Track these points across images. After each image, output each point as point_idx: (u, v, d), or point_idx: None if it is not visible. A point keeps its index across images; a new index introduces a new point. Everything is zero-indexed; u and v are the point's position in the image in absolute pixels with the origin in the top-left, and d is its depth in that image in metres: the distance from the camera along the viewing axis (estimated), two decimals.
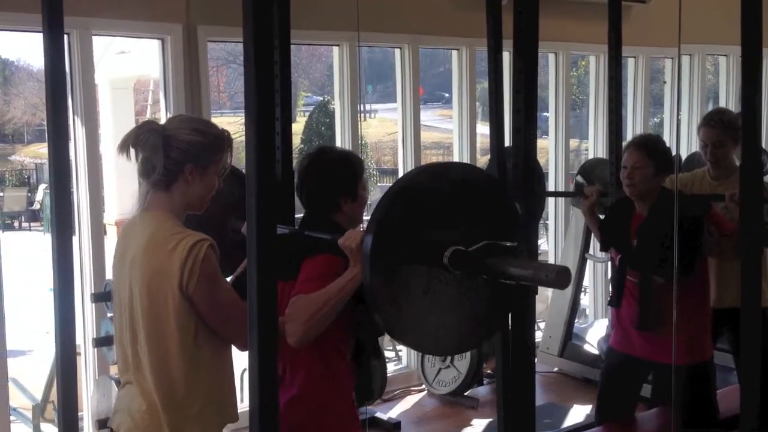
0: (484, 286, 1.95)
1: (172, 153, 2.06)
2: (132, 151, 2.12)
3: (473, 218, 1.95)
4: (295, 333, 2.11)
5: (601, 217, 3.51)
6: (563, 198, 5.93)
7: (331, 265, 2.24)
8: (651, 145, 3.20)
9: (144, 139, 2.07)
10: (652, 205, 3.17)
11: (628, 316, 3.25)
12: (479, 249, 1.89)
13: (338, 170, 2.45)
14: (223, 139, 2.13)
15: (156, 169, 2.07)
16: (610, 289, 3.53)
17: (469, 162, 5.41)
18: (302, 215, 2.50)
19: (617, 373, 3.39)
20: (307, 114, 18.31)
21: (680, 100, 6.74)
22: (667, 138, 6.74)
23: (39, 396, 4.59)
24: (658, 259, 3.06)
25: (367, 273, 1.84)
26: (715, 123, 3.57)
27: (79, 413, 2.62)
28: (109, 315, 3.48)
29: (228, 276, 2.47)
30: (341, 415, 2.38)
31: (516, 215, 2.06)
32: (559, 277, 1.79)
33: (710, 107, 7.52)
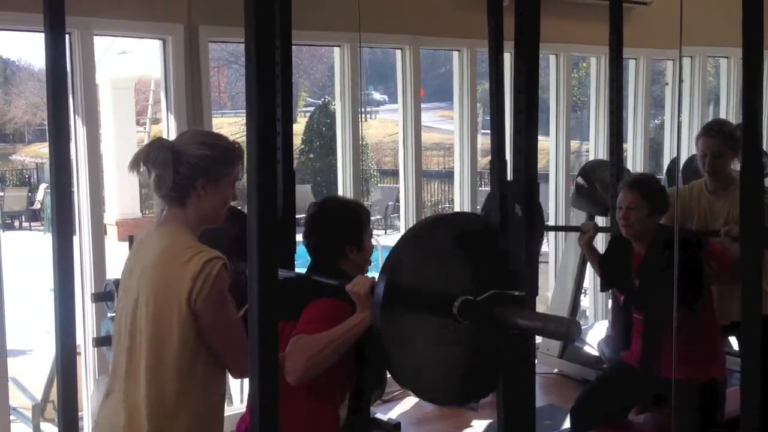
0: (491, 333, 1.99)
1: (182, 168, 2.07)
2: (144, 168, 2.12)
3: (480, 267, 2.00)
4: (295, 371, 2.13)
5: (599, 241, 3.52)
6: (563, 198, 5.93)
7: (336, 309, 2.27)
8: (645, 186, 3.21)
9: (154, 156, 2.07)
10: (649, 244, 3.18)
11: (636, 355, 3.25)
12: (487, 299, 1.94)
13: (344, 220, 2.50)
14: (232, 151, 2.13)
15: (168, 185, 2.08)
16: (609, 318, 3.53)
17: (470, 164, 5.42)
18: (309, 263, 2.55)
19: (621, 383, 3.35)
20: (308, 114, 18.30)
21: (681, 102, 6.74)
22: (668, 140, 6.76)
23: (39, 396, 4.59)
24: (661, 299, 3.05)
25: (377, 320, 1.89)
26: (715, 133, 3.55)
27: (79, 413, 2.62)
28: (109, 315, 3.48)
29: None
30: None
31: (520, 266, 2.14)
32: (569, 330, 1.84)
33: (711, 109, 7.53)
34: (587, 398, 3.41)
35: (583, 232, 3.51)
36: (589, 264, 5.26)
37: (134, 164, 2.10)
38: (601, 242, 4.08)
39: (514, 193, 2.33)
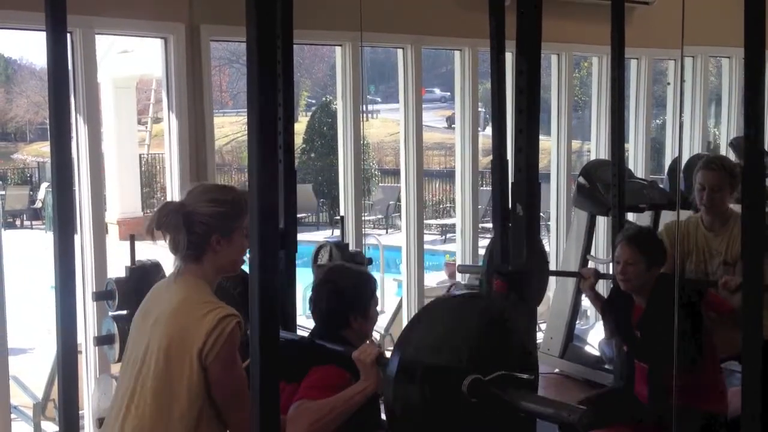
0: (496, 416, 2.01)
1: (195, 228, 2.10)
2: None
3: (489, 348, 2.04)
4: None
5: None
6: (565, 197, 5.94)
7: (339, 377, 2.29)
8: (642, 241, 3.19)
9: (166, 221, 2.10)
10: (649, 297, 3.18)
11: (641, 393, 3.26)
12: (496, 378, 1.97)
13: (352, 290, 2.52)
14: (241, 202, 2.14)
15: (183, 246, 2.11)
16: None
17: (471, 163, 5.42)
18: (312, 328, 2.57)
19: (617, 396, 3.36)
20: (309, 114, 18.30)
21: (683, 102, 6.74)
22: (669, 140, 6.76)
23: (40, 394, 4.59)
24: (663, 351, 3.05)
25: (390, 395, 1.93)
26: (715, 166, 3.52)
27: (80, 411, 2.62)
28: (110, 314, 3.48)
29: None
30: None
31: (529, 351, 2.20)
32: (581, 420, 1.85)
33: (713, 109, 7.52)
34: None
35: (584, 278, 3.51)
36: (590, 264, 5.27)
37: (148, 231, 2.13)
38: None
39: (518, 148, 2.34)
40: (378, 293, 2.62)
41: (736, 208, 3.49)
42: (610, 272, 3.38)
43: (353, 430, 2.31)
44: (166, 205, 2.14)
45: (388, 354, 2.11)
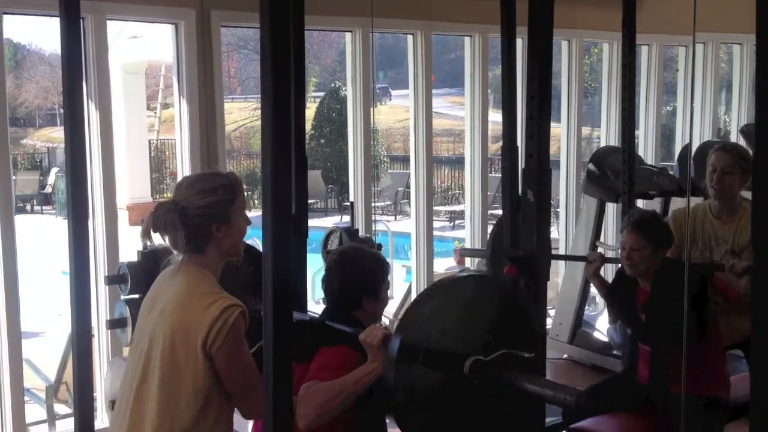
0: (498, 397, 2.03)
1: (192, 222, 2.10)
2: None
3: (492, 327, 2.05)
4: (306, 416, 2.17)
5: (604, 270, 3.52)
6: (574, 184, 5.93)
7: (348, 358, 2.30)
8: (646, 226, 3.18)
9: (162, 222, 2.10)
10: (653, 279, 3.18)
11: (641, 375, 3.27)
12: (497, 359, 2.00)
13: (366, 271, 2.53)
14: (232, 186, 2.15)
15: (184, 242, 2.11)
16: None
17: (480, 150, 5.42)
18: (324, 308, 2.58)
19: (618, 381, 3.37)
20: (318, 100, 18.28)
21: (694, 89, 6.71)
22: (680, 127, 6.74)
23: (52, 377, 4.64)
24: (666, 334, 3.06)
25: (391, 376, 1.96)
26: (729, 148, 3.51)
27: (93, 394, 2.65)
28: (122, 297, 3.51)
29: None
30: None
31: (534, 329, 2.21)
32: (578, 400, 1.87)
33: (723, 96, 7.49)
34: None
35: (589, 262, 3.51)
36: (599, 250, 5.27)
37: (145, 234, 2.13)
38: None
39: (529, 135, 2.35)
40: (389, 277, 2.63)
41: (747, 196, 3.48)
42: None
43: (363, 411, 2.34)
44: (159, 207, 2.13)
45: None
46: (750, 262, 3.09)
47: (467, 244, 5.72)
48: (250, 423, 2.86)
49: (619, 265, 3.37)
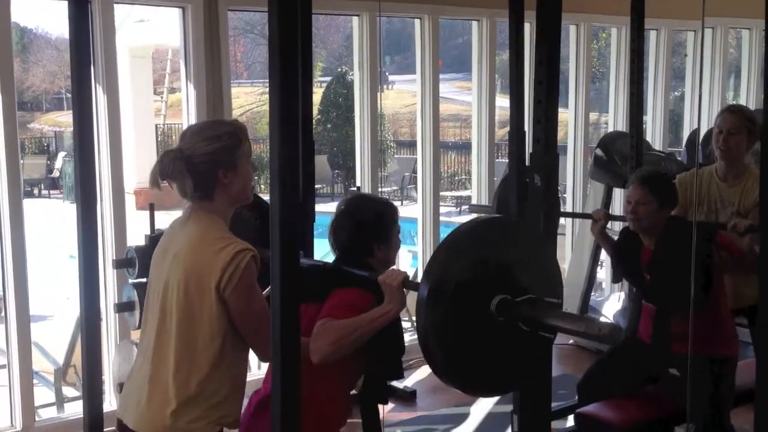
0: (520, 337, 2.06)
1: (199, 168, 2.11)
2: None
3: (521, 271, 2.08)
4: (320, 351, 2.17)
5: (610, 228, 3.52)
6: (581, 169, 5.92)
7: (363, 299, 2.31)
8: (654, 181, 3.18)
9: (169, 170, 2.12)
10: (658, 238, 3.18)
11: (646, 333, 3.27)
12: (524, 301, 2.02)
13: (374, 219, 2.52)
14: (237, 132, 2.17)
15: (191, 189, 2.13)
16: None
17: (487, 135, 5.41)
18: (336, 257, 2.57)
19: (624, 352, 3.37)
20: (325, 85, 18.22)
21: (702, 74, 6.68)
22: (688, 112, 6.71)
23: (60, 360, 4.67)
24: (671, 292, 3.06)
25: (422, 317, 1.98)
26: (735, 109, 3.52)
27: (101, 377, 2.67)
28: (130, 281, 3.52)
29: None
30: None
31: (558, 271, 2.22)
32: (612, 333, 1.90)
33: (732, 81, 7.45)
34: (594, 373, 3.43)
35: (595, 221, 3.51)
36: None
37: (154, 182, 2.15)
38: None
39: (537, 120, 2.35)
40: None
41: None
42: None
43: (375, 352, 2.35)
44: (165, 155, 2.15)
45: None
46: (753, 222, 3.10)
47: None
48: (264, 366, 2.86)
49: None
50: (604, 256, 5.96)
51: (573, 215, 5.37)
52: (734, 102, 8.15)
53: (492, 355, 2.07)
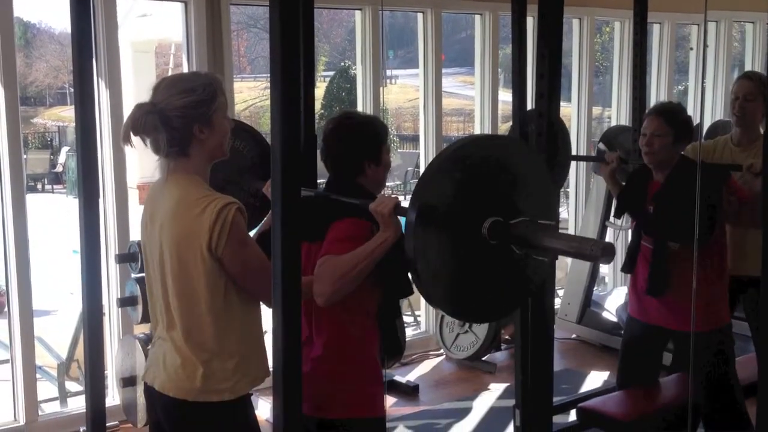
0: (514, 261, 2.02)
1: (173, 123, 2.06)
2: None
3: (514, 193, 2.02)
4: (323, 293, 2.15)
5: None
6: (584, 165, 5.91)
7: (360, 228, 2.27)
8: (671, 113, 3.16)
9: (142, 124, 2.06)
10: (669, 173, 3.16)
11: (641, 283, 3.25)
12: (518, 223, 1.96)
13: (362, 134, 2.47)
14: (212, 84, 2.11)
15: (165, 144, 2.09)
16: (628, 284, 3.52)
17: (490, 129, 5.40)
18: (326, 178, 2.53)
19: (636, 342, 3.38)
20: (328, 79, 18.23)
21: (705, 68, 6.66)
22: (692, 106, 6.69)
23: (64, 355, 4.68)
24: (673, 226, 3.05)
25: (410, 244, 1.92)
26: (751, 75, 3.55)
27: (104, 371, 2.67)
28: (133, 276, 3.53)
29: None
30: (365, 374, 2.41)
31: (556, 195, 2.15)
32: (604, 252, 1.84)
33: (735, 75, 7.42)
34: (622, 366, 3.45)
35: (606, 163, 3.50)
36: (609, 228, 5.27)
37: (126, 137, 2.09)
38: None
39: (539, 114, 2.33)
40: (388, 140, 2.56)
41: None
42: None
43: (382, 282, 2.32)
44: (138, 108, 2.09)
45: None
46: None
47: None
48: None
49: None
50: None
51: (584, 158, 5.35)
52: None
53: (484, 280, 2.01)
